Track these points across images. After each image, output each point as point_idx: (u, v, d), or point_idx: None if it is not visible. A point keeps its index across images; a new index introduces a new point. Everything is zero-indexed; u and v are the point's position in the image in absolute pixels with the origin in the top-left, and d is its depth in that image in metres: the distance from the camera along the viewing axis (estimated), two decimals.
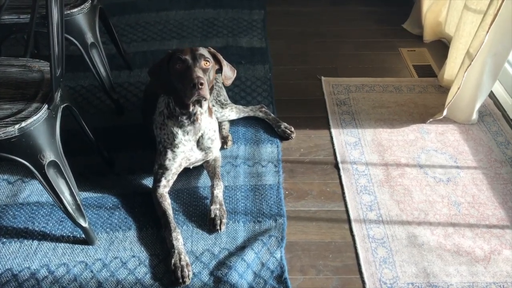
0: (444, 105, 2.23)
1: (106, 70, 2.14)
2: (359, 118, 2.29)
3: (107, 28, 2.40)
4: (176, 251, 1.61)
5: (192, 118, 1.71)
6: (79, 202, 1.61)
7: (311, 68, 2.65)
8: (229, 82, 1.78)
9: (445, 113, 2.19)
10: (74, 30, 1.98)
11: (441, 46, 2.81)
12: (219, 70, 1.75)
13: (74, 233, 1.74)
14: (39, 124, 1.43)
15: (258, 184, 1.94)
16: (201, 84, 1.54)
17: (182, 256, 1.60)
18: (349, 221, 1.80)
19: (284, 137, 2.15)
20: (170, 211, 1.75)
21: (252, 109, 2.23)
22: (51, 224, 1.77)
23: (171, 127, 1.74)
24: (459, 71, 2.09)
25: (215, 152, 1.90)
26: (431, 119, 2.24)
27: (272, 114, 2.23)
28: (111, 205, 1.84)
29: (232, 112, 2.14)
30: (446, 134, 2.19)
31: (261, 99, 2.39)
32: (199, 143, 1.79)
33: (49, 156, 1.48)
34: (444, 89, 2.45)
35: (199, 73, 1.56)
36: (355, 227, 1.78)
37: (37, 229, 1.75)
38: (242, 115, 2.20)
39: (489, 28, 1.88)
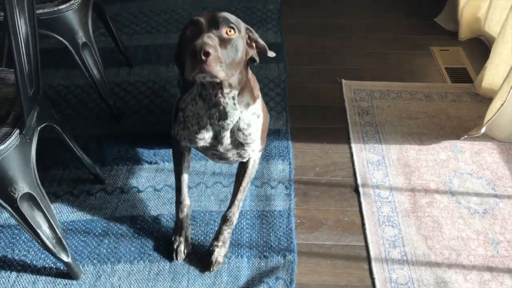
0: (481, 117, 1.96)
1: (101, 72, 1.91)
2: (383, 131, 2.03)
3: (104, 23, 2.15)
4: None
5: (214, 100, 1.27)
6: (60, 235, 1.41)
7: (331, 68, 2.37)
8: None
9: (483, 130, 1.92)
10: (63, 29, 1.74)
11: (479, 46, 2.49)
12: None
13: (58, 264, 1.54)
14: (9, 153, 1.22)
15: (266, 209, 1.72)
16: (206, 54, 1.06)
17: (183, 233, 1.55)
18: (369, 259, 1.58)
19: None
20: (185, 179, 1.55)
21: None
22: (32, 253, 1.58)
23: (199, 108, 1.33)
24: (503, 84, 1.80)
25: (251, 153, 1.46)
26: (465, 135, 1.97)
27: None
28: (100, 231, 1.64)
29: None
30: (483, 153, 1.92)
31: (274, 104, 2.15)
32: (232, 135, 1.37)
33: (22, 188, 1.27)
34: (481, 98, 2.16)
35: (209, 39, 1.09)
36: (375, 267, 1.55)
37: (17, 257, 1.57)
38: None
39: None
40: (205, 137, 1.36)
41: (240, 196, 1.55)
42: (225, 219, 1.54)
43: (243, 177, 1.54)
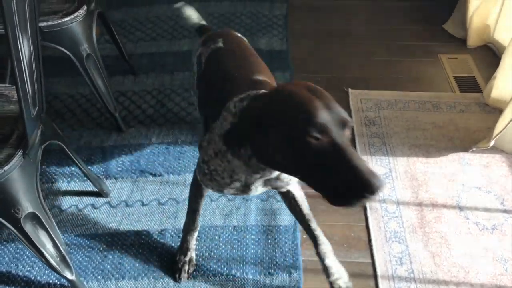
0: (490, 129, 1.94)
1: (105, 83, 1.90)
2: (390, 143, 2.00)
3: (109, 31, 2.13)
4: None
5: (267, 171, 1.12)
6: (64, 252, 1.40)
7: (337, 77, 2.34)
8: None
9: (492, 143, 1.89)
10: (67, 41, 1.73)
11: (488, 54, 2.46)
12: None
13: (62, 280, 1.54)
14: (12, 173, 1.21)
15: (272, 224, 1.70)
16: (379, 187, 0.86)
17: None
18: (375, 277, 1.56)
19: None
20: (200, 211, 1.48)
21: None
22: (36, 268, 1.57)
23: (234, 166, 1.13)
24: None
25: (291, 188, 1.38)
26: (474, 148, 1.94)
27: None
28: (104, 246, 1.63)
29: None
30: (492, 167, 1.89)
31: None
32: (268, 182, 1.21)
33: (26, 208, 1.26)
34: (490, 109, 2.13)
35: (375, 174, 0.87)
36: (382, 285, 1.53)
37: (20, 273, 1.56)
38: None
39: None
40: (237, 186, 1.20)
41: (314, 225, 1.41)
42: (321, 255, 1.40)
43: (299, 206, 1.43)
